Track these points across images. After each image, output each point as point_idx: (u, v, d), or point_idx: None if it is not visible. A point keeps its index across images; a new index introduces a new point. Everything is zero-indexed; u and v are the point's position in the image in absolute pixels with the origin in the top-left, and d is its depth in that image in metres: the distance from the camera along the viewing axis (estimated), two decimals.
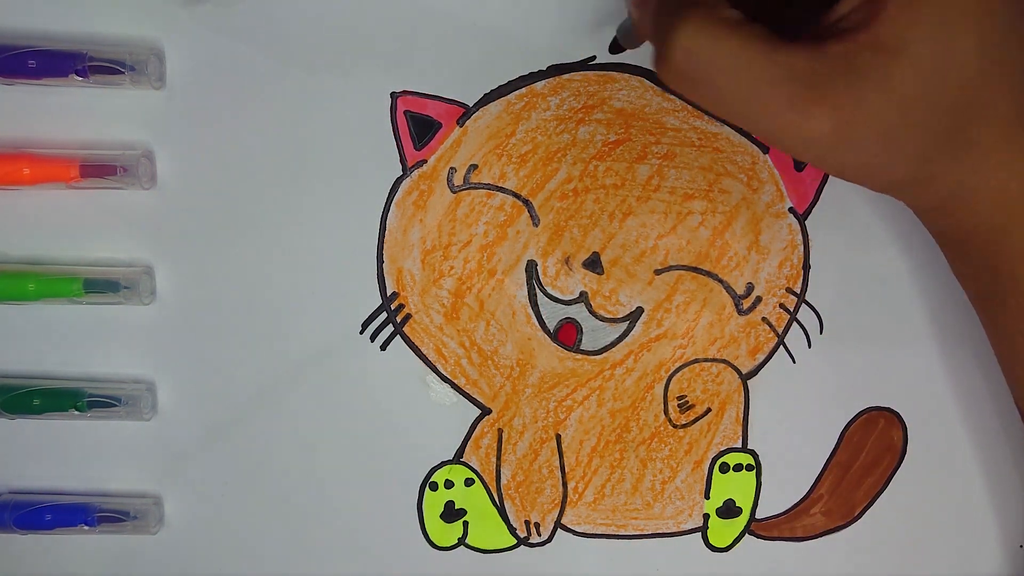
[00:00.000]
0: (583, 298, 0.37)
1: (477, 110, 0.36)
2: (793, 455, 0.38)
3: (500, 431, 0.38)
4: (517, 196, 0.36)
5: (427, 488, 0.38)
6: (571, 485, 0.38)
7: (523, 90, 0.36)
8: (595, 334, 0.37)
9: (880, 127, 0.26)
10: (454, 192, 0.36)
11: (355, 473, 0.38)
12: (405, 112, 0.36)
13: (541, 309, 0.37)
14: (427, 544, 0.38)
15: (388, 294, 0.37)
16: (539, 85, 0.36)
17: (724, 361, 0.37)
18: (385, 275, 0.37)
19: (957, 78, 0.25)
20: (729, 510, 0.38)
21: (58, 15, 0.35)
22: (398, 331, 0.37)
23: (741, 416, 0.38)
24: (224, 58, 0.35)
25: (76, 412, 0.36)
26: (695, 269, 0.37)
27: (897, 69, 0.25)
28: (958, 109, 0.26)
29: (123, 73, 0.34)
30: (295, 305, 0.37)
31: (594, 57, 0.35)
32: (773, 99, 0.25)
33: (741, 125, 0.28)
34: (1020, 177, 0.27)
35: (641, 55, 0.35)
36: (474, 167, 0.36)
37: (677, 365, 0.37)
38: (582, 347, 0.37)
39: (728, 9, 0.26)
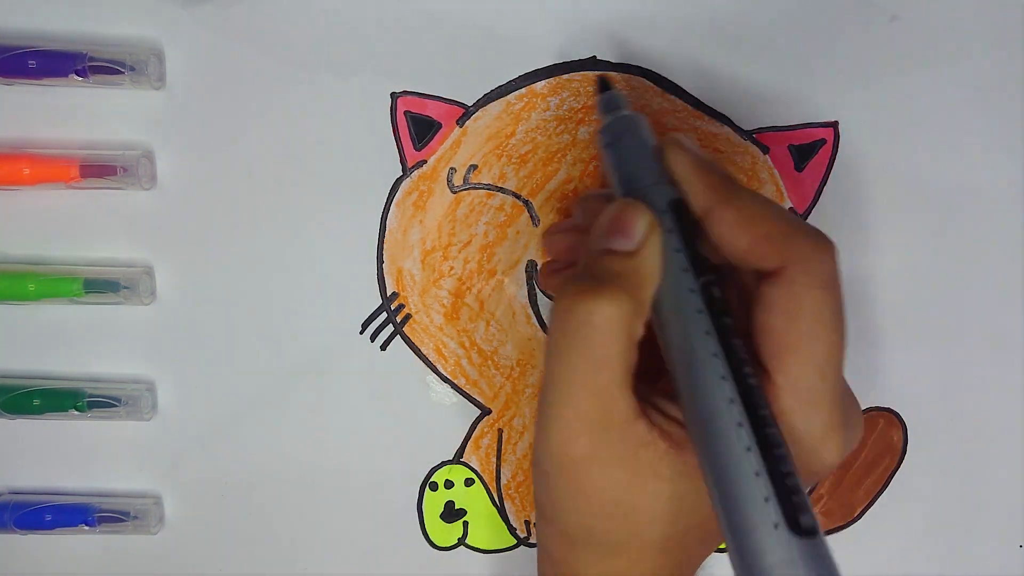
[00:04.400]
0: None
1: (477, 110, 0.36)
2: None
3: (500, 431, 0.38)
4: (517, 196, 0.36)
5: (427, 488, 0.38)
6: None
7: (523, 90, 0.36)
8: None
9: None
10: (454, 192, 0.36)
11: (355, 473, 0.38)
12: (405, 112, 0.36)
13: (541, 309, 0.37)
14: (427, 544, 0.38)
15: (388, 294, 0.37)
16: (539, 85, 0.36)
17: None
18: (385, 275, 0.37)
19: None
20: None
21: (58, 15, 0.35)
22: (398, 331, 0.37)
23: None
24: (224, 58, 0.35)
25: (76, 412, 0.36)
26: None
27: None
28: (617, 536, 0.27)
29: (123, 73, 0.34)
30: (295, 305, 0.37)
31: (594, 57, 0.35)
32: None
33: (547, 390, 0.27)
34: None
35: (640, 55, 0.35)
36: (474, 167, 0.36)
37: None
38: None
39: (640, 327, 0.26)
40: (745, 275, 0.28)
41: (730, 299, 0.26)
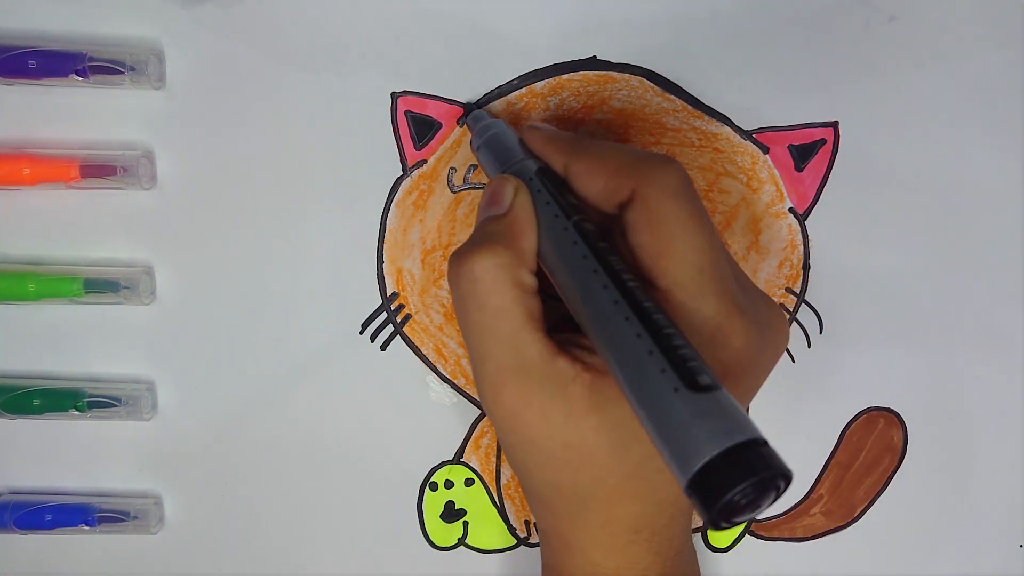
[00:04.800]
0: None
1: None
2: (793, 455, 0.38)
3: None
4: None
5: (427, 488, 0.38)
6: None
7: (523, 90, 0.36)
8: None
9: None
10: (454, 192, 0.36)
11: (355, 473, 0.38)
12: (405, 112, 0.36)
13: None
14: (427, 544, 0.38)
15: (388, 294, 0.37)
16: (539, 85, 0.36)
17: None
18: (385, 275, 0.37)
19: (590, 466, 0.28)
20: None
21: (58, 15, 0.35)
22: (398, 331, 0.37)
23: None
24: (224, 58, 0.35)
25: (76, 412, 0.36)
26: None
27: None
28: (582, 487, 0.28)
29: (123, 73, 0.34)
30: (295, 305, 0.37)
31: (594, 57, 0.35)
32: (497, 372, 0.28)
33: (468, 351, 0.29)
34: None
35: (640, 55, 0.35)
36: (474, 167, 0.36)
37: None
38: None
39: (527, 275, 0.28)
40: (615, 219, 0.29)
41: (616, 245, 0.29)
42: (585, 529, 0.29)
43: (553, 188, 0.29)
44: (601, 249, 0.27)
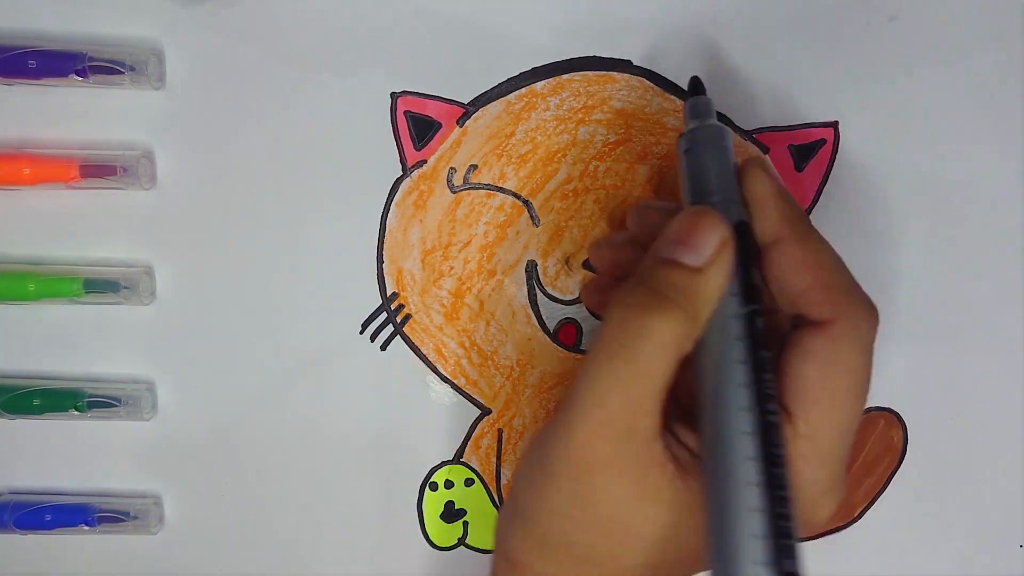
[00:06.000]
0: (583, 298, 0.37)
1: (477, 110, 0.36)
2: None
3: (500, 431, 0.38)
4: (517, 196, 0.36)
5: (427, 488, 0.38)
6: None
7: (523, 90, 0.36)
8: (596, 334, 0.37)
9: None
10: (454, 192, 0.36)
11: (355, 473, 0.38)
12: (405, 112, 0.36)
13: (541, 309, 0.37)
14: (427, 544, 0.38)
15: (388, 294, 0.37)
16: (539, 85, 0.36)
17: None
18: (385, 275, 0.37)
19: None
20: None
21: (58, 15, 0.35)
22: (398, 331, 0.37)
23: None
24: (224, 58, 0.35)
25: (76, 412, 0.36)
26: None
27: None
28: (593, 558, 0.27)
29: (123, 73, 0.34)
30: (295, 305, 0.37)
31: (594, 57, 0.35)
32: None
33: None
34: None
35: (641, 55, 0.35)
36: (474, 167, 0.36)
37: None
38: (582, 347, 0.37)
39: (690, 345, 0.25)
40: (782, 317, 0.27)
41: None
42: None
43: (744, 256, 0.25)
44: (762, 361, 0.25)
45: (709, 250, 0.25)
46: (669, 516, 0.25)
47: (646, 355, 0.24)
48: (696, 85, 0.31)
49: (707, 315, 0.25)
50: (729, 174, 0.27)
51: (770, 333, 0.26)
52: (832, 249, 0.26)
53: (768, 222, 0.26)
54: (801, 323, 0.26)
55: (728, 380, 0.24)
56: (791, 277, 0.26)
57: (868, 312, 0.26)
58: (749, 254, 0.26)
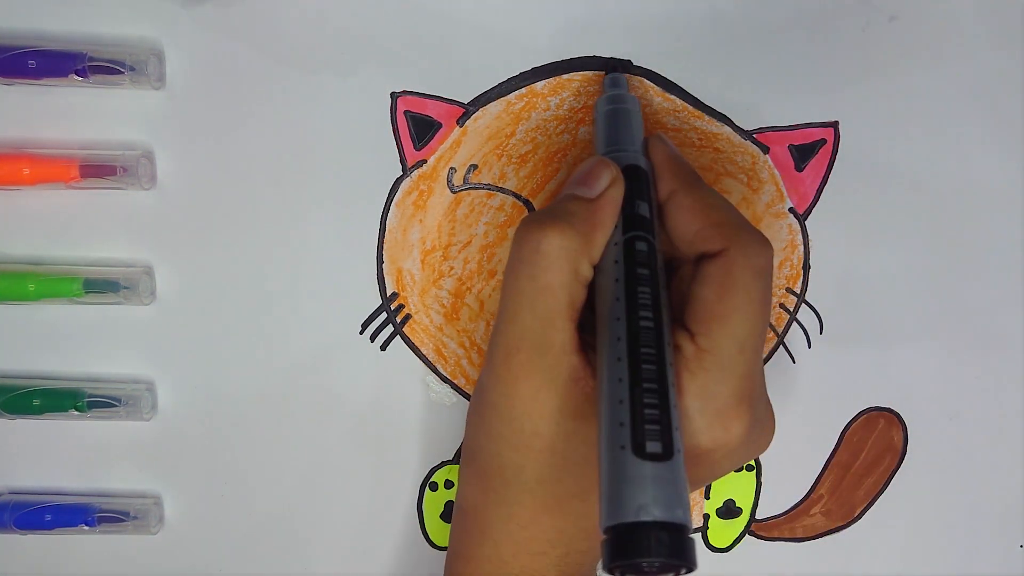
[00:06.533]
0: None
1: (477, 110, 0.36)
2: (793, 455, 0.38)
3: None
4: (517, 196, 0.36)
5: (427, 488, 0.38)
6: None
7: (523, 90, 0.36)
8: None
9: None
10: (454, 192, 0.36)
11: (355, 473, 0.38)
12: (405, 112, 0.36)
13: None
14: (427, 544, 0.38)
15: (388, 294, 0.37)
16: (539, 85, 0.36)
17: None
18: (385, 275, 0.37)
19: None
20: (729, 510, 0.38)
21: (58, 15, 0.35)
22: (398, 331, 0.37)
23: None
24: (224, 58, 0.35)
25: (76, 412, 0.36)
26: None
27: None
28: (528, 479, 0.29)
29: (123, 73, 0.34)
30: (295, 305, 0.37)
31: (594, 57, 0.35)
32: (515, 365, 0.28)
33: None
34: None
35: (641, 55, 0.35)
36: (474, 167, 0.36)
37: None
38: None
39: (587, 266, 0.28)
40: (683, 260, 0.30)
41: (671, 282, 0.30)
42: (507, 521, 0.29)
43: (630, 193, 0.29)
44: (636, 276, 0.28)
45: (601, 185, 0.29)
46: (592, 434, 0.27)
47: (542, 268, 0.27)
48: (617, 64, 0.35)
49: (600, 239, 0.28)
50: (637, 133, 0.32)
51: (679, 277, 0.30)
52: (723, 197, 0.30)
53: (664, 179, 0.30)
54: (703, 259, 0.29)
55: (607, 294, 0.28)
56: (687, 221, 0.29)
57: (759, 241, 0.28)
58: (636, 192, 0.29)
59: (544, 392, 0.27)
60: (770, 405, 0.30)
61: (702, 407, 0.27)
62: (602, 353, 0.27)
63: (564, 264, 0.27)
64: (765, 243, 0.28)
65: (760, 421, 0.29)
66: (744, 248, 0.28)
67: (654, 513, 0.23)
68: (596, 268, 0.29)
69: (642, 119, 0.33)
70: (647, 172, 0.30)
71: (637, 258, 0.28)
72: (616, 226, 0.29)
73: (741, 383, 0.28)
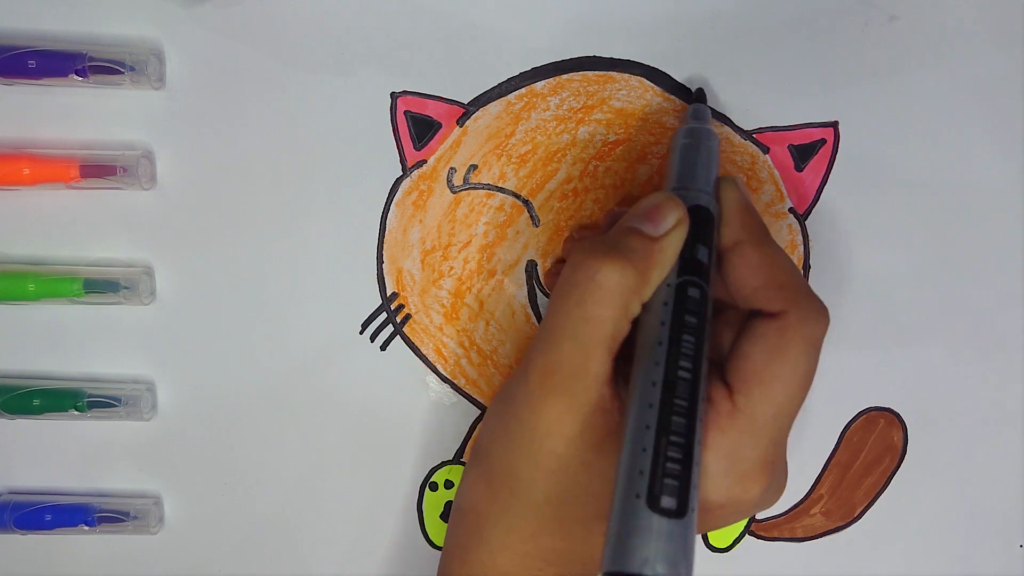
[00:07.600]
0: None
1: (477, 110, 0.36)
2: (793, 455, 0.38)
3: None
4: (517, 196, 0.36)
5: (427, 488, 0.38)
6: None
7: (523, 90, 0.36)
8: None
9: None
10: (454, 192, 0.36)
11: (355, 473, 0.38)
12: (405, 112, 0.36)
13: (541, 309, 0.37)
14: (427, 544, 0.38)
15: (388, 294, 0.37)
16: (539, 85, 0.36)
17: None
18: (385, 275, 0.37)
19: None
20: None
21: (58, 15, 0.35)
22: (398, 331, 0.37)
23: None
24: (224, 58, 0.35)
25: (76, 412, 0.36)
26: None
27: None
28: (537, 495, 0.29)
29: (123, 73, 0.34)
30: (295, 305, 0.37)
31: (594, 56, 0.35)
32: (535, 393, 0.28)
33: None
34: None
35: (640, 55, 0.35)
36: (474, 167, 0.36)
37: None
38: None
39: (638, 305, 0.28)
40: (731, 305, 0.30)
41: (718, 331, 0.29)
42: (507, 533, 0.29)
43: (693, 236, 0.29)
44: (683, 323, 0.27)
45: (667, 225, 0.28)
46: (610, 470, 0.27)
47: (594, 300, 0.27)
48: (701, 95, 0.35)
49: (655, 279, 0.28)
50: (711, 172, 0.31)
51: (723, 321, 0.30)
52: (788, 257, 0.29)
53: (732, 227, 0.29)
54: (756, 315, 0.28)
55: (651, 334, 0.27)
56: (748, 275, 0.29)
57: (818, 310, 0.28)
58: (699, 235, 0.29)
59: (569, 416, 0.27)
60: (786, 465, 0.30)
61: (727, 468, 0.27)
62: (634, 393, 0.27)
63: (617, 299, 0.27)
64: (824, 312, 0.28)
65: (777, 481, 0.29)
66: (803, 315, 0.27)
67: (657, 569, 0.23)
68: (644, 306, 0.28)
69: (719, 158, 0.32)
70: (713, 216, 0.30)
71: (688, 304, 0.27)
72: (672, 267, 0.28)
73: (769, 449, 0.27)
